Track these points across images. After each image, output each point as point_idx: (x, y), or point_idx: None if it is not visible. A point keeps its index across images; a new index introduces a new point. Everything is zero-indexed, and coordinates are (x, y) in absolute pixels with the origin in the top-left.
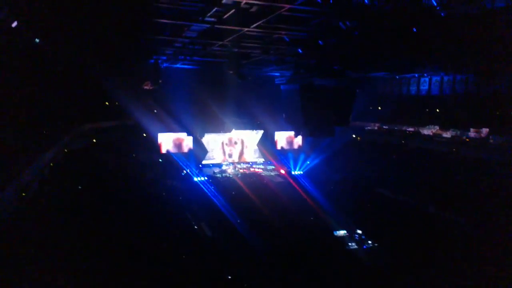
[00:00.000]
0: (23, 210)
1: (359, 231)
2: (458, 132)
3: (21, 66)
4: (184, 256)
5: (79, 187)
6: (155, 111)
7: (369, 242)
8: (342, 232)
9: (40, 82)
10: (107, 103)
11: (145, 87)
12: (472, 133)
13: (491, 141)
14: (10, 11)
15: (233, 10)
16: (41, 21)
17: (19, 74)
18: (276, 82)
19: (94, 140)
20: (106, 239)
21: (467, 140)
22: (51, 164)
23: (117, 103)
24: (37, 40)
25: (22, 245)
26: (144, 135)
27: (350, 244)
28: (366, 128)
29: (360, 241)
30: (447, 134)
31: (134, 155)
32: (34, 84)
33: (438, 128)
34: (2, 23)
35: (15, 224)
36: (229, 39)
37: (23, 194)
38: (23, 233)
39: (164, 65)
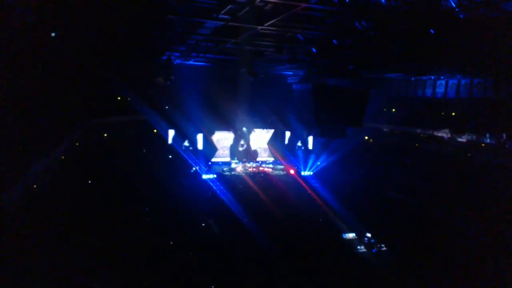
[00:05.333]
0: (34, 202)
1: (369, 234)
2: (474, 137)
3: (35, 60)
4: (190, 253)
5: (89, 181)
6: (166, 107)
7: (379, 245)
8: (351, 235)
9: (52, 77)
10: (118, 98)
11: (157, 83)
12: (488, 138)
13: (507, 146)
14: (26, 6)
15: (247, 8)
16: (56, 15)
17: (32, 68)
18: (289, 81)
19: (105, 135)
20: (114, 234)
21: (483, 145)
22: (62, 158)
23: (128, 98)
24: (53, 34)
25: (31, 237)
26: (155, 131)
27: (359, 247)
28: (383, 130)
29: (369, 245)
30: (462, 139)
31: (144, 150)
32: (47, 78)
33: (452, 131)
34: (18, 18)
35: (25, 217)
36: (242, 37)
37: (34, 186)
38: (32, 226)
39: (177, 61)
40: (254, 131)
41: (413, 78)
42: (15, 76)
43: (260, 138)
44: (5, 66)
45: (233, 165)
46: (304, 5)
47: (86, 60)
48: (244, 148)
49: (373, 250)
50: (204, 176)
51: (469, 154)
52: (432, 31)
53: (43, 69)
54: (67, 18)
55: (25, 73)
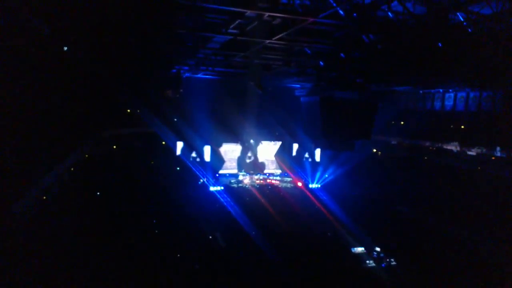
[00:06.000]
0: (44, 213)
1: (378, 249)
2: (484, 150)
3: (47, 73)
4: (197, 266)
5: (98, 192)
6: (175, 119)
7: (388, 260)
8: (360, 249)
9: (63, 89)
10: (128, 110)
11: (166, 96)
12: (499, 151)
13: None
14: (41, 20)
15: (256, 23)
16: (70, 30)
17: (44, 81)
18: (296, 94)
19: (115, 147)
20: (122, 245)
21: (493, 158)
22: (72, 169)
23: (138, 111)
24: (65, 48)
25: (41, 247)
26: (163, 143)
27: (368, 261)
28: (391, 142)
29: (378, 259)
30: (472, 152)
31: (152, 162)
32: (58, 91)
33: (461, 145)
34: (33, 31)
35: (36, 227)
36: (251, 50)
37: (44, 197)
38: (43, 236)
39: (186, 75)
40: (261, 143)
41: (421, 91)
42: (27, 89)
43: (267, 150)
44: (18, 79)
45: (240, 177)
46: (311, 19)
47: (96, 73)
48: (252, 160)
49: (383, 265)
50: (212, 188)
51: (479, 167)
52: (440, 45)
53: (54, 81)
54: (80, 32)
55: (37, 86)
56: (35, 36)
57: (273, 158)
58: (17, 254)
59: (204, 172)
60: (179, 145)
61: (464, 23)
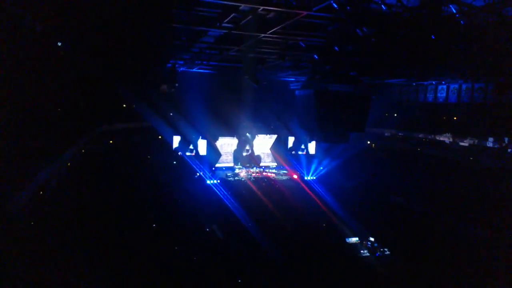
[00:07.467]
0: (40, 209)
1: (372, 239)
2: (476, 141)
3: (42, 69)
4: (195, 258)
5: (95, 187)
6: (171, 114)
7: (382, 249)
8: (354, 239)
9: (59, 84)
10: (124, 105)
11: (162, 91)
12: (491, 142)
13: (509, 150)
14: (34, 16)
15: (250, 16)
16: (63, 25)
17: (40, 76)
18: (291, 87)
19: (111, 141)
20: (119, 239)
21: (485, 149)
22: (69, 164)
23: (134, 105)
24: (59, 44)
25: (37, 243)
26: (160, 137)
27: (362, 251)
28: (385, 134)
29: (372, 249)
30: (464, 143)
31: (149, 156)
32: (54, 86)
33: (454, 136)
34: (26, 28)
35: (32, 223)
36: (245, 44)
37: (41, 192)
38: (39, 232)
39: (181, 69)
40: (257, 136)
41: (414, 83)
42: (24, 84)
43: (263, 144)
44: (14, 74)
45: (236, 171)
46: (305, 13)
47: (92, 68)
48: (248, 154)
49: (377, 254)
50: (208, 182)
51: (471, 158)
52: (433, 37)
53: (51, 77)
54: (75, 28)
55: (34, 81)
56: (27, 33)
57: (269, 151)
58: (13, 251)
59: (201, 166)
60: (176, 139)
61: (457, 15)
